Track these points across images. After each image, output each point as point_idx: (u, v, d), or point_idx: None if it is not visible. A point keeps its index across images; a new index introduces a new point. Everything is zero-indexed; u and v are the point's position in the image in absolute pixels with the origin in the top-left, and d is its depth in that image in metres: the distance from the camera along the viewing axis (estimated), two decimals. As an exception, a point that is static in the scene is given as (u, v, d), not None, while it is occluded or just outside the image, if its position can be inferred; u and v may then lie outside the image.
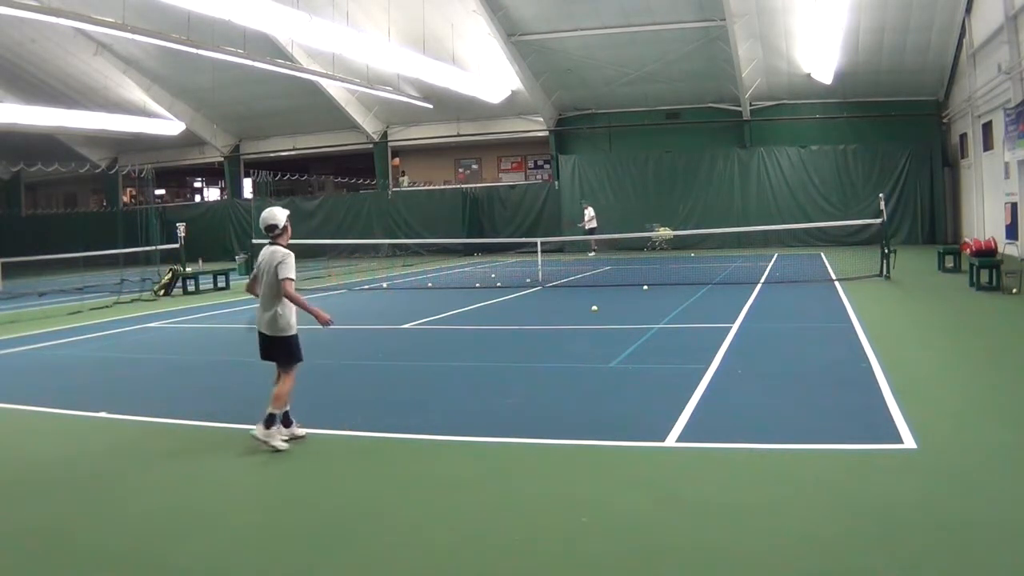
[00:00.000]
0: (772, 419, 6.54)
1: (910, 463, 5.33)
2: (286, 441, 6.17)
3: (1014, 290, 13.54)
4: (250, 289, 6.56)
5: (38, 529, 4.77)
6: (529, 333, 12.09)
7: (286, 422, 6.31)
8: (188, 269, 19.94)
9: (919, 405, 6.62)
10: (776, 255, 24.66)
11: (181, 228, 20.04)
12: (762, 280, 17.32)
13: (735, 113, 29.87)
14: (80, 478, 5.74)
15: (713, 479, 5.25)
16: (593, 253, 28.73)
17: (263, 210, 6.60)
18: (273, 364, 6.40)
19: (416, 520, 4.73)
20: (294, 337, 6.34)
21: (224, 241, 34.39)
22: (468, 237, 31.44)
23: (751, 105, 29.48)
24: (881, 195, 18.65)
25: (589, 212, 29.06)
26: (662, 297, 15.09)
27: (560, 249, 29.67)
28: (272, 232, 6.36)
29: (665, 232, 26.09)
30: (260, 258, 6.38)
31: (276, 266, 6.16)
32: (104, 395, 8.41)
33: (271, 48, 25.41)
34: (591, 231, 28.33)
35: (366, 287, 20.09)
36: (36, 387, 8.95)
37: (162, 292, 19.00)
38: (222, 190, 40.70)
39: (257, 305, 6.43)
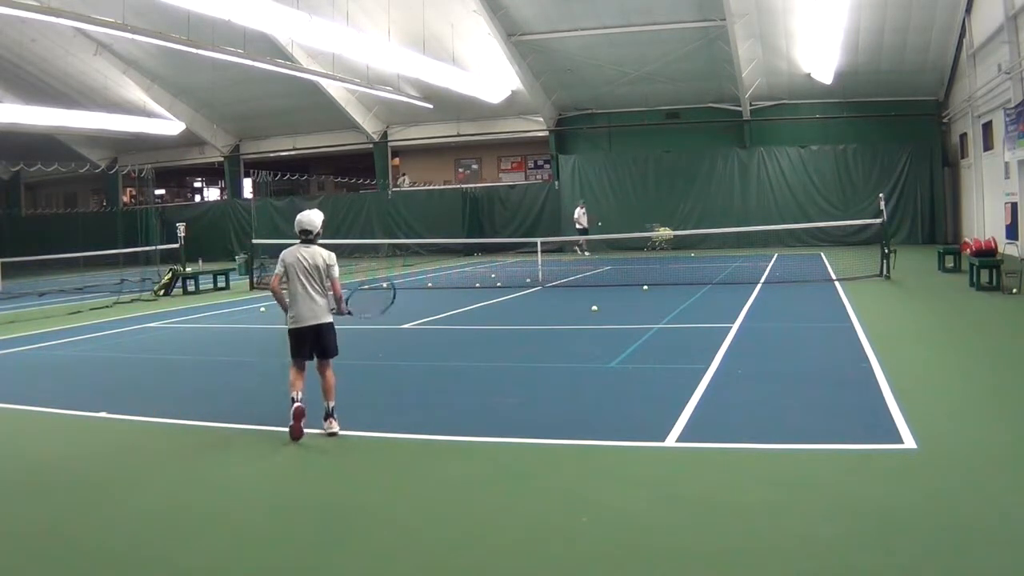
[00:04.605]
0: (772, 419, 6.54)
1: (910, 463, 5.33)
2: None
3: (1014, 290, 13.54)
4: (276, 285, 6.76)
5: (38, 529, 4.77)
6: (529, 333, 12.09)
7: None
8: (188, 269, 19.94)
9: (919, 405, 6.62)
10: (776, 255, 24.65)
11: (181, 228, 20.04)
12: (762, 280, 17.31)
13: (735, 113, 29.86)
14: (80, 478, 5.74)
15: (713, 479, 5.25)
16: (586, 253, 28.54)
17: (304, 212, 6.92)
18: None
19: (416, 520, 4.74)
20: None
21: (224, 241, 34.33)
22: (468, 237, 31.42)
23: (751, 105, 29.46)
24: (881, 195, 18.65)
25: (580, 211, 29.01)
26: (662, 297, 15.09)
27: (560, 249, 29.67)
28: (308, 235, 6.73)
29: (665, 232, 26.07)
30: (301, 256, 6.60)
31: (330, 266, 6.66)
32: (104, 395, 8.40)
33: (271, 48, 25.40)
34: (582, 231, 28.32)
35: (366, 287, 20.04)
36: (36, 387, 8.95)
37: (162, 292, 18.99)
38: (222, 190, 40.68)
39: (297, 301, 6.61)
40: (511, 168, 36.37)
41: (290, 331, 6.65)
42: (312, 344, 6.63)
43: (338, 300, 6.74)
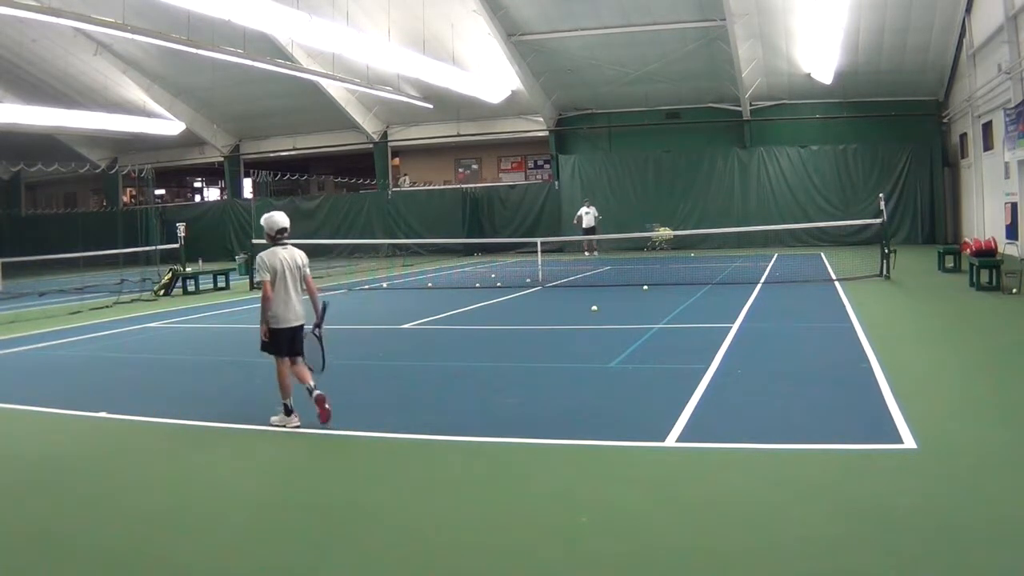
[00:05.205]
0: (772, 419, 6.54)
1: (910, 463, 5.33)
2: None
3: (1014, 290, 13.54)
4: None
5: (38, 529, 4.77)
6: (529, 333, 12.09)
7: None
8: (188, 269, 19.94)
9: (919, 405, 6.62)
10: (776, 255, 24.65)
11: (181, 228, 20.04)
12: (762, 280, 17.31)
13: (735, 113, 29.86)
14: (80, 478, 5.74)
15: (713, 479, 5.25)
16: (585, 254, 28.62)
17: (268, 214, 6.96)
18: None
19: (416, 520, 4.74)
20: None
21: (224, 241, 34.38)
22: (468, 237, 31.43)
23: (751, 105, 29.46)
24: (881, 195, 18.63)
25: (584, 210, 28.77)
26: (662, 297, 15.09)
27: (560, 249, 29.66)
28: (284, 234, 6.81)
29: (665, 232, 26.07)
30: (283, 258, 6.68)
31: (305, 266, 6.86)
32: (104, 395, 8.41)
33: (271, 48, 25.39)
34: (588, 231, 28.28)
35: (366, 287, 20.08)
36: (36, 387, 8.94)
37: (162, 292, 18.99)
38: (222, 190, 40.66)
39: (285, 303, 6.70)
40: (511, 168, 36.35)
41: (272, 330, 6.67)
42: (288, 343, 6.73)
43: (314, 298, 6.83)
